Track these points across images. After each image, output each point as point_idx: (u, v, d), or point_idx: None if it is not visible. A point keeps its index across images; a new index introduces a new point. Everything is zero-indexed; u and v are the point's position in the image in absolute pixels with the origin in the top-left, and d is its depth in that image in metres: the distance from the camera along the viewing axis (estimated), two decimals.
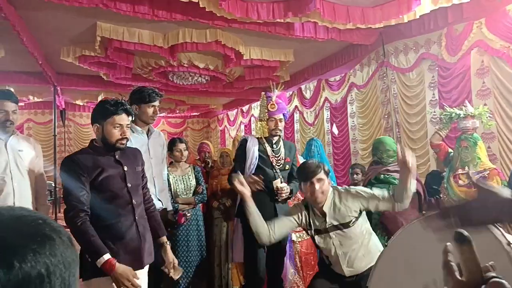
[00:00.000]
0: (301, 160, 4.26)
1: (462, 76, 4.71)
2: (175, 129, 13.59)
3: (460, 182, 3.40)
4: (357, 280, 2.27)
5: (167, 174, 3.43)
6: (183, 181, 3.62)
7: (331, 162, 7.02)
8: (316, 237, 2.36)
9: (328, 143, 7.51)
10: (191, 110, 12.00)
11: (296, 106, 8.78)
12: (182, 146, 3.61)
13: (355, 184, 4.47)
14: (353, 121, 6.96)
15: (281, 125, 3.03)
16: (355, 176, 4.54)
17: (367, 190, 2.42)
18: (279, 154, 3.07)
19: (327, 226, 2.31)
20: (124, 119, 2.04)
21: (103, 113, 2.03)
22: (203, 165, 4.33)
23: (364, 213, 2.43)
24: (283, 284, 3.23)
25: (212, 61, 6.25)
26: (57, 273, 0.49)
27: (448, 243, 0.67)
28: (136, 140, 2.94)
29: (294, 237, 3.62)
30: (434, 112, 5.11)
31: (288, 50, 6.17)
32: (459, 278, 0.63)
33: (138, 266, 2.03)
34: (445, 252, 0.66)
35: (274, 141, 3.06)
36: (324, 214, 2.31)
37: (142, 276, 2.06)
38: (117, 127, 2.03)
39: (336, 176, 5.18)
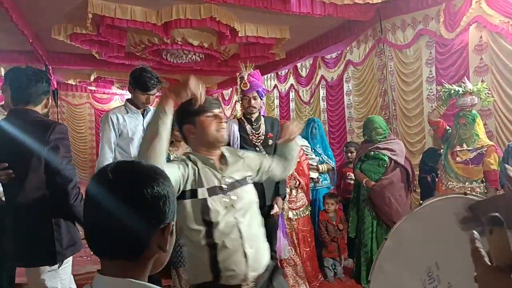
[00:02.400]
0: (299, 140, 4.26)
1: (460, 52, 4.67)
2: None
3: (458, 159, 3.43)
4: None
5: (168, 153, 3.41)
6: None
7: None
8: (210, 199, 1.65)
9: (324, 122, 7.48)
10: None
11: (291, 85, 8.71)
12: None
13: (350, 162, 4.50)
14: (349, 99, 6.92)
15: (256, 103, 3.13)
16: (349, 154, 4.56)
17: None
18: (258, 131, 3.14)
19: (223, 184, 1.70)
20: None
21: None
22: None
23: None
24: (276, 256, 3.29)
25: (207, 38, 6.14)
26: (171, 197, 0.84)
27: (474, 231, 0.67)
28: (130, 120, 2.91)
29: (290, 214, 3.65)
30: (431, 89, 5.08)
31: (284, 27, 6.07)
32: (489, 263, 0.62)
33: None
34: (473, 240, 0.66)
35: (253, 119, 3.16)
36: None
37: None
38: None
39: None
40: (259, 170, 1.89)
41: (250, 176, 1.80)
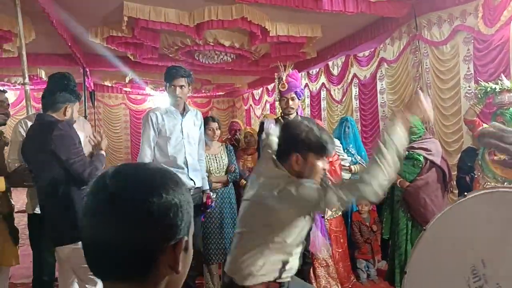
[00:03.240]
0: None
1: (500, 48, 4.48)
2: (201, 109, 13.62)
3: (496, 158, 3.30)
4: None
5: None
6: (216, 160, 3.64)
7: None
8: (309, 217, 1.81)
9: (357, 121, 7.36)
10: (217, 90, 12.01)
11: (323, 83, 8.62)
12: (214, 125, 3.63)
13: None
14: (382, 98, 6.79)
15: (294, 104, 3.12)
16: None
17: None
18: None
19: None
20: None
21: None
22: (233, 142, 4.38)
23: None
24: (310, 256, 3.27)
25: (238, 38, 6.18)
26: (184, 206, 0.72)
27: None
28: (169, 119, 2.98)
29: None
30: (469, 87, 4.91)
31: (315, 25, 6.02)
32: None
33: None
34: None
35: (282, 125, 3.12)
36: None
37: None
38: None
39: None
40: None
41: None
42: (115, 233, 0.66)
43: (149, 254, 0.67)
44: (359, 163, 4.28)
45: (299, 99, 3.18)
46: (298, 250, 1.79)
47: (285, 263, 1.73)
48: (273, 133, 2.08)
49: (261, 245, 1.69)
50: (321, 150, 1.72)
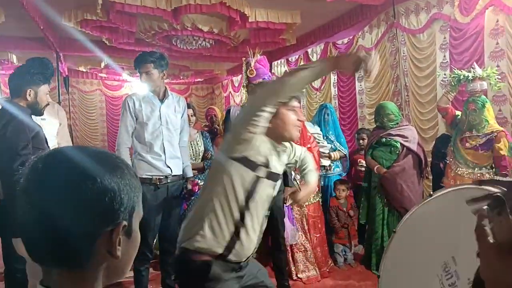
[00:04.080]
0: (308, 126, 4.23)
1: (475, 37, 4.57)
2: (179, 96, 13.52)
3: (467, 144, 3.39)
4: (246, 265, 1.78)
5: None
6: (192, 146, 3.62)
7: None
8: (260, 184, 1.65)
9: (335, 108, 7.41)
10: (195, 76, 11.85)
11: None
12: (189, 111, 3.60)
13: (361, 149, 4.46)
14: (360, 85, 6.84)
15: None
16: (361, 141, 4.53)
17: None
18: None
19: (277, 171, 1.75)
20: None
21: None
22: (212, 129, 4.35)
23: None
24: (285, 242, 3.32)
25: (217, 24, 6.09)
26: (125, 190, 0.68)
27: (484, 207, 0.65)
28: (146, 105, 2.92)
29: None
30: (445, 74, 4.99)
31: (295, 12, 5.99)
32: (493, 241, 0.62)
33: None
34: (481, 216, 0.65)
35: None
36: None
37: None
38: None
39: None
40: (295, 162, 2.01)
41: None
42: (47, 218, 0.63)
43: (84, 240, 0.65)
44: (338, 149, 4.32)
45: None
46: (250, 224, 1.63)
47: (234, 237, 1.61)
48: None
49: (209, 205, 1.60)
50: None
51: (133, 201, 0.70)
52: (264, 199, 1.67)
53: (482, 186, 1.01)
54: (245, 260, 1.70)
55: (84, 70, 10.56)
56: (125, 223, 0.68)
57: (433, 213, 1.13)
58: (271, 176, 1.68)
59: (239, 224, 1.61)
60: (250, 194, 1.61)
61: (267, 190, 1.67)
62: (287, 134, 1.69)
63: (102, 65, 9.36)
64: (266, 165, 1.65)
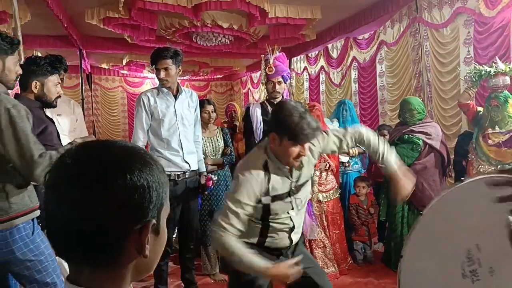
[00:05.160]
0: (328, 123, 4.20)
1: (501, 31, 4.45)
2: (199, 92, 13.57)
3: (490, 141, 3.32)
4: (294, 251, 2.03)
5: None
6: (212, 142, 3.64)
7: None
8: (272, 205, 1.84)
9: (355, 104, 7.35)
10: (215, 73, 11.92)
11: (322, 67, 8.57)
12: (210, 107, 3.62)
13: None
14: (382, 81, 6.76)
15: (280, 87, 3.11)
16: (382, 137, 4.46)
17: (340, 129, 2.22)
18: None
19: (292, 188, 1.89)
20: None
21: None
22: (232, 125, 4.38)
23: None
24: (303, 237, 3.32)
25: (236, 20, 6.10)
26: (154, 187, 0.66)
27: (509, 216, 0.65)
28: (161, 101, 2.95)
29: (320, 197, 3.63)
30: (468, 70, 4.88)
31: (315, 7, 5.94)
32: None
33: None
34: (508, 225, 0.64)
35: (276, 103, 3.10)
36: (291, 171, 1.89)
37: None
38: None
39: None
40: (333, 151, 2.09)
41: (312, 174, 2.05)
42: (77, 215, 0.62)
43: (114, 237, 0.64)
44: (358, 146, 4.28)
45: (285, 83, 3.16)
46: (274, 226, 1.90)
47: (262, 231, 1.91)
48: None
49: None
50: (294, 137, 1.71)
51: (162, 198, 0.69)
52: (281, 210, 1.87)
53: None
54: (285, 248, 1.96)
55: (106, 67, 10.75)
56: (154, 221, 0.68)
57: (462, 199, 1.12)
58: (277, 198, 1.84)
59: (264, 230, 1.90)
60: (264, 216, 1.85)
61: (280, 206, 1.86)
62: (284, 162, 1.81)
63: (124, 62, 9.51)
64: (266, 194, 1.81)
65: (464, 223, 1.08)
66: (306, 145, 1.76)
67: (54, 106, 2.32)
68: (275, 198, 1.83)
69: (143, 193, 0.65)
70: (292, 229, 1.93)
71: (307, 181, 1.95)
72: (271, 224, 1.87)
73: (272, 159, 1.82)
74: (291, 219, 1.91)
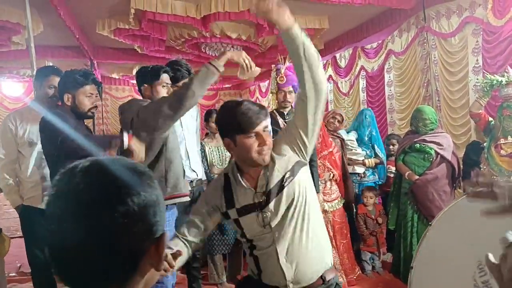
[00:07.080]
0: (344, 134, 4.20)
1: (510, 40, 4.43)
2: (207, 102, 13.64)
3: (502, 152, 3.28)
4: None
5: (203, 144, 3.48)
6: (218, 151, 3.66)
7: None
8: (241, 219, 1.59)
9: None
10: (223, 82, 11.98)
11: (330, 76, 8.57)
12: None
13: (391, 155, 4.38)
14: (390, 90, 6.74)
15: (291, 97, 3.11)
16: (391, 147, 4.45)
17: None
18: None
19: (257, 199, 1.57)
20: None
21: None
22: None
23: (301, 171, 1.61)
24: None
25: (245, 30, 6.16)
26: (161, 201, 0.67)
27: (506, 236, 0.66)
28: None
29: (326, 206, 3.62)
30: (477, 79, 4.85)
31: (323, 17, 5.98)
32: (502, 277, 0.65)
33: None
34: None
35: (285, 113, 3.12)
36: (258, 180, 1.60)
37: None
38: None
39: None
40: (295, 146, 1.60)
41: (288, 176, 1.57)
42: (91, 240, 0.58)
43: (132, 257, 0.62)
44: (378, 155, 4.26)
45: (295, 93, 3.16)
46: (260, 252, 1.61)
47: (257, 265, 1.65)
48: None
49: None
50: (241, 127, 1.49)
51: (164, 210, 0.69)
52: (251, 227, 1.58)
53: None
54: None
55: (117, 77, 10.88)
56: (167, 233, 0.67)
57: (471, 209, 1.11)
58: (244, 211, 1.57)
59: (255, 258, 1.63)
60: (241, 233, 1.62)
61: (249, 220, 1.57)
62: (249, 161, 1.54)
63: (134, 72, 9.62)
64: (232, 206, 1.59)
65: (474, 234, 1.07)
66: (260, 129, 1.50)
67: (91, 117, 2.38)
68: (242, 211, 1.57)
69: (156, 208, 0.64)
70: (277, 255, 1.54)
71: (282, 187, 1.55)
72: (253, 244, 1.60)
73: (234, 169, 1.61)
74: (274, 241, 1.55)
